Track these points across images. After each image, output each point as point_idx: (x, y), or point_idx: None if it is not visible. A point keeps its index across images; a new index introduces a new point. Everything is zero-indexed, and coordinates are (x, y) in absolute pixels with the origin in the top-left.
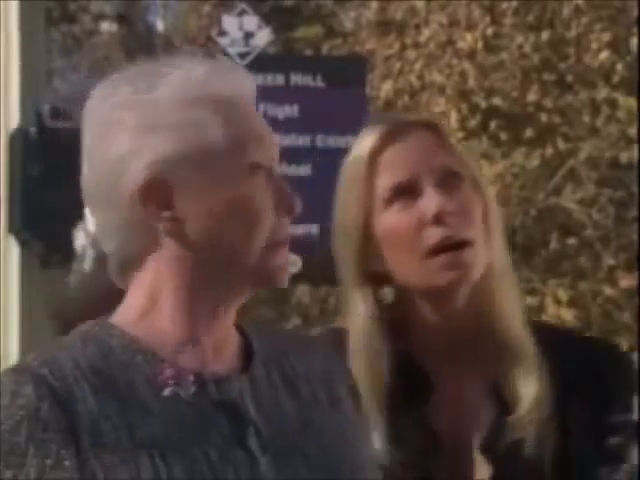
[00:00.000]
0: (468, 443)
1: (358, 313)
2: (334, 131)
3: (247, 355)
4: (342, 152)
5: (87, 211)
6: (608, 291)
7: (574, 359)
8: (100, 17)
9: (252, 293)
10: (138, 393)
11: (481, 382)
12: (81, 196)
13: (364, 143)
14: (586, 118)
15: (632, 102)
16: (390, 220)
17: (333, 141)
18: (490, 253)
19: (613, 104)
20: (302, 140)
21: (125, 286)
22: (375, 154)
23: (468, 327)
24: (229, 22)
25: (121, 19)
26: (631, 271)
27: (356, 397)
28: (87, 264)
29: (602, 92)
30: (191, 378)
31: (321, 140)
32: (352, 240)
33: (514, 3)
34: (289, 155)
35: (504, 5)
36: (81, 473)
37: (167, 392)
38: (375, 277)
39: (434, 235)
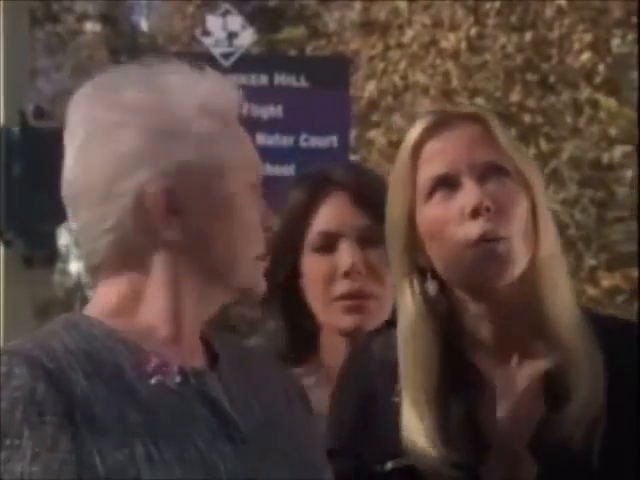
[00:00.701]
0: (516, 440)
1: (406, 307)
2: (318, 131)
3: (211, 356)
4: (326, 152)
5: (69, 208)
6: (590, 291)
7: (630, 349)
8: (84, 17)
9: (232, 300)
10: (126, 379)
11: (531, 377)
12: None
13: (409, 136)
14: (568, 119)
15: (613, 102)
16: (430, 213)
17: (317, 141)
18: (537, 247)
19: (595, 105)
20: (286, 140)
21: (98, 283)
22: (418, 146)
23: (515, 321)
24: (213, 22)
25: (105, 19)
26: (612, 271)
27: (306, 400)
28: (71, 263)
29: (584, 93)
30: (176, 369)
31: (305, 140)
32: (398, 234)
33: (497, 4)
34: (273, 155)
35: (487, 6)
36: (77, 456)
37: (154, 380)
38: (421, 270)
39: (472, 229)
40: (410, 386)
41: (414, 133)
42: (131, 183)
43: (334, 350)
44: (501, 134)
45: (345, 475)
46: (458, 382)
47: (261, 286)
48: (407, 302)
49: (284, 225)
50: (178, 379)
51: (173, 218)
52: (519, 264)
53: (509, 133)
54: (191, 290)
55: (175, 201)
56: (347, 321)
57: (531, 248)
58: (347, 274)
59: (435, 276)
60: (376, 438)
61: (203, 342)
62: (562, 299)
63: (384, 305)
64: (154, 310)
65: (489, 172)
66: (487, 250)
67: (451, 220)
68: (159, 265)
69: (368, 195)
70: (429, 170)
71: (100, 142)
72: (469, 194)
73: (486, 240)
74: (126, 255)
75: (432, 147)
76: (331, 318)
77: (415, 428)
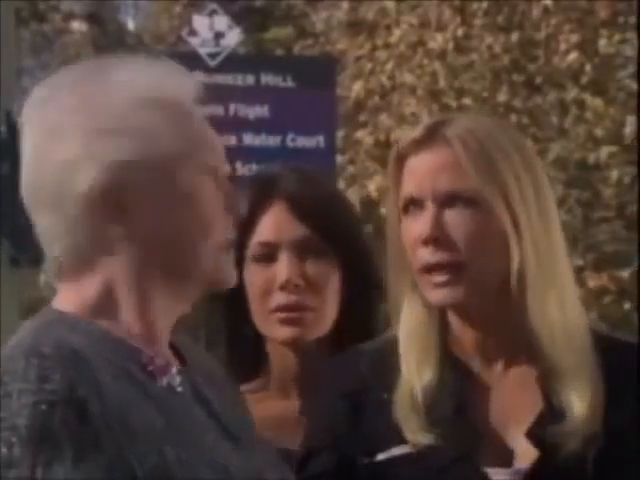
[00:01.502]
0: (513, 429)
1: (407, 317)
2: (304, 131)
3: (179, 358)
4: (312, 152)
5: (30, 213)
6: (577, 291)
7: (626, 366)
8: (70, 16)
9: (203, 293)
10: (137, 380)
11: (529, 370)
12: None
13: (398, 145)
14: (555, 119)
15: (599, 103)
16: (404, 229)
17: (303, 141)
18: (524, 257)
19: (581, 105)
20: (272, 140)
21: (65, 286)
22: (402, 158)
23: (497, 332)
24: (200, 22)
25: (92, 18)
26: (599, 272)
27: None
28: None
29: (570, 93)
30: (175, 369)
31: (291, 140)
32: (397, 243)
33: (484, 4)
34: (259, 155)
35: (474, 6)
36: (117, 458)
37: (164, 382)
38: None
39: (422, 256)
40: (408, 388)
41: (401, 143)
42: (77, 185)
43: (280, 359)
44: (474, 161)
45: (332, 470)
46: (449, 378)
47: (230, 275)
48: (408, 315)
49: None
50: (178, 380)
51: (121, 216)
52: (478, 291)
53: (493, 154)
54: (157, 287)
55: (121, 199)
56: (284, 332)
57: (502, 264)
58: (283, 287)
59: None
60: (367, 433)
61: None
62: (546, 313)
63: (322, 317)
64: (126, 310)
65: (451, 200)
66: (444, 276)
67: (413, 241)
68: (119, 264)
69: (310, 206)
70: (405, 187)
71: (47, 145)
72: (425, 222)
73: (436, 270)
74: (84, 258)
75: (411, 164)
76: (269, 329)
77: (407, 417)
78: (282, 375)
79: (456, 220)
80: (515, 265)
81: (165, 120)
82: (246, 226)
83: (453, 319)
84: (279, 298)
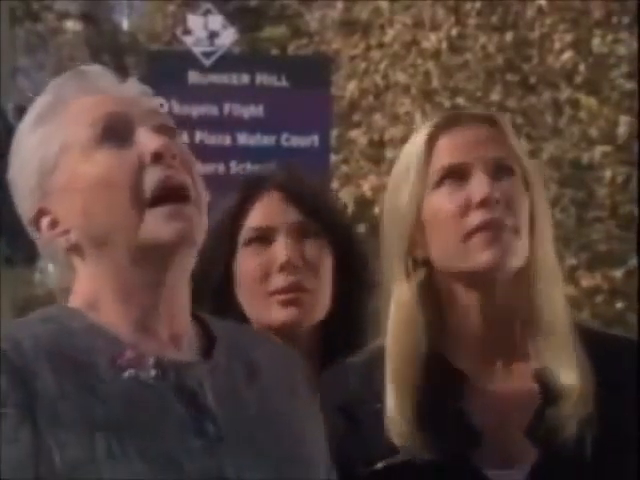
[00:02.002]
0: (511, 428)
1: (401, 292)
2: (299, 130)
3: (208, 343)
4: (307, 151)
5: None
6: (570, 290)
7: (618, 360)
8: (64, 16)
9: (165, 261)
10: (99, 375)
11: (523, 368)
12: None
13: (422, 131)
14: (549, 118)
15: (593, 102)
16: (437, 201)
17: (298, 140)
18: (534, 248)
19: (575, 105)
20: (267, 139)
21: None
22: (433, 138)
23: (506, 317)
24: (194, 21)
25: (86, 18)
26: (592, 271)
27: (312, 389)
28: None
29: (564, 93)
30: (151, 362)
31: (286, 139)
32: (403, 221)
33: (478, 4)
34: (254, 154)
35: (468, 6)
36: (36, 449)
37: (127, 374)
38: (414, 259)
39: (477, 217)
40: (395, 375)
41: (427, 129)
42: (26, 218)
43: None
44: (511, 135)
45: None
46: (442, 384)
47: (165, 228)
48: (402, 288)
49: (216, 227)
50: (153, 373)
51: (54, 231)
52: (520, 257)
53: (516, 136)
54: (119, 277)
55: (47, 217)
56: (283, 315)
57: (528, 248)
58: (283, 267)
59: (426, 265)
60: (365, 443)
61: (200, 326)
62: (557, 300)
63: (320, 300)
64: (110, 307)
65: (498, 169)
66: (489, 237)
67: (456, 210)
68: (79, 267)
69: (300, 193)
70: (442, 159)
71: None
72: (480, 184)
73: (491, 228)
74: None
75: (447, 139)
76: (267, 313)
77: (399, 419)
78: None
79: (505, 185)
80: (541, 245)
81: (62, 128)
82: (237, 215)
83: (465, 299)
84: (278, 280)
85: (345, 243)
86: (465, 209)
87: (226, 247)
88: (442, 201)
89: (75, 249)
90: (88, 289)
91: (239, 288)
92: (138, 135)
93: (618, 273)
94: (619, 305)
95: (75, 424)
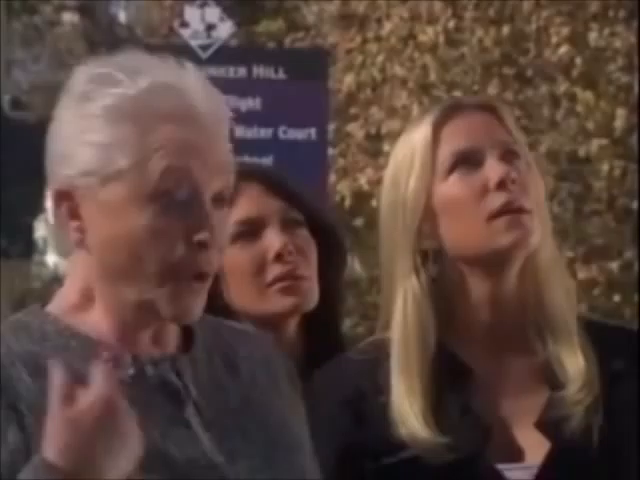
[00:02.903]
0: (521, 421)
1: (410, 285)
2: (296, 123)
3: (188, 338)
4: (304, 144)
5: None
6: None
7: (622, 349)
8: (61, 8)
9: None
10: (76, 373)
11: (530, 361)
12: (42, 187)
13: (425, 120)
14: (545, 112)
15: (590, 96)
16: (451, 188)
17: (295, 133)
18: (545, 233)
19: (572, 98)
20: (264, 132)
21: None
22: (438, 127)
23: (516, 307)
24: (191, 14)
25: (83, 10)
26: (588, 264)
27: (294, 381)
28: (48, 255)
29: (561, 86)
30: (129, 360)
31: (283, 132)
32: (409, 218)
33: None
34: (251, 147)
35: None
36: (25, 447)
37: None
38: (423, 251)
39: (498, 199)
40: (403, 371)
41: (433, 115)
42: (50, 190)
43: None
44: (511, 122)
45: (339, 477)
46: (450, 380)
47: (187, 310)
48: (411, 282)
49: None
50: (132, 371)
51: (75, 222)
52: (537, 236)
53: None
54: (118, 286)
55: (74, 206)
56: (285, 302)
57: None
58: (279, 256)
59: (436, 257)
60: (371, 438)
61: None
62: (558, 290)
63: (314, 286)
64: (99, 311)
65: (507, 153)
66: (512, 219)
67: (473, 195)
68: (88, 267)
69: (280, 183)
70: (451, 145)
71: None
72: (495, 167)
73: (510, 210)
74: (68, 255)
75: (453, 126)
76: (265, 305)
77: (408, 414)
78: None
79: (517, 168)
80: (544, 234)
81: (133, 136)
82: None
83: (477, 288)
84: (275, 269)
85: (327, 232)
86: (483, 192)
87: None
88: (458, 187)
89: (83, 247)
90: (79, 290)
91: (227, 284)
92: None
93: (615, 266)
94: (616, 298)
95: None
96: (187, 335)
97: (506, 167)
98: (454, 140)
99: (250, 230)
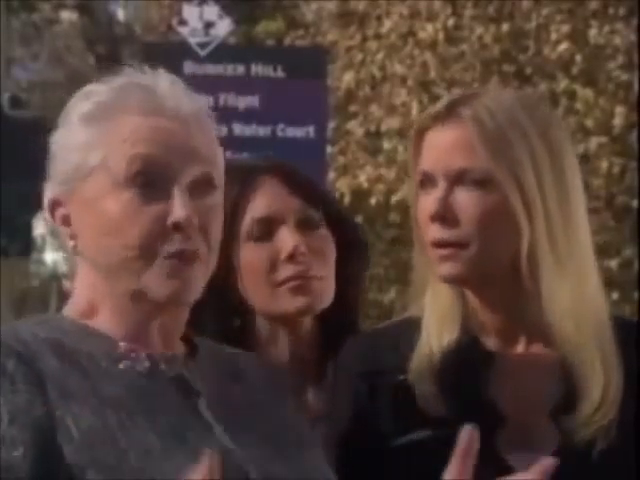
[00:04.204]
0: (535, 412)
1: (433, 291)
2: (295, 121)
3: (191, 349)
4: (303, 142)
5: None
6: None
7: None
8: (60, 6)
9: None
10: (99, 363)
11: (546, 360)
12: (40, 185)
13: (420, 118)
14: (545, 109)
15: (589, 93)
16: (420, 204)
17: (294, 131)
18: (533, 244)
19: (571, 96)
20: (263, 130)
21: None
22: (421, 133)
23: (514, 314)
24: (189, 12)
25: (81, 8)
26: None
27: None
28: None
29: (561, 83)
30: (144, 355)
31: (282, 130)
32: (414, 220)
33: None
34: (250, 145)
35: None
36: (51, 421)
37: (123, 365)
38: None
39: (287, 270)
40: (426, 350)
41: (421, 117)
42: (46, 199)
43: (272, 341)
44: (487, 141)
45: (354, 455)
46: (470, 364)
47: (160, 289)
48: (439, 286)
49: None
50: (147, 364)
51: (68, 229)
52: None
53: (510, 133)
54: (119, 292)
55: (64, 212)
56: (296, 302)
57: (512, 246)
58: (291, 257)
59: None
60: (385, 416)
61: (183, 341)
62: (558, 299)
63: (329, 286)
64: (105, 318)
65: (462, 179)
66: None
67: (425, 216)
68: (81, 273)
69: (299, 179)
70: (421, 163)
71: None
72: (434, 199)
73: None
74: (73, 264)
75: (429, 139)
76: (276, 303)
77: (427, 391)
78: (271, 353)
79: (465, 199)
80: (524, 248)
81: (100, 136)
82: (236, 207)
83: (472, 300)
84: (287, 269)
85: (347, 231)
86: (427, 220)
87: (226, 241)
88: (420, 204)
89: (79, 254)
90: (86, 296)
91: (242, 281)
92: (174, 196)
93: (613, 263)
94: (614, 295)
95: (85, 398)
96: (190, 347)
97: (297, 239)
98: (423, 159)
99: (266, 228)
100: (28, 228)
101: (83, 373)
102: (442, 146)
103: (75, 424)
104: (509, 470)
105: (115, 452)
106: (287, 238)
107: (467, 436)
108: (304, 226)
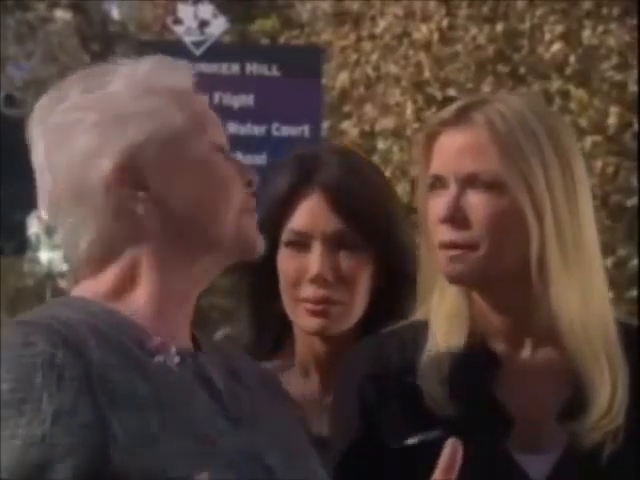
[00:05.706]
0: (542, 413)
1: (440, 293)
2: (289, 120)
3: (196, 345)
4: (297, 141)
5: (52, 218)
6: None
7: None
8: (54, 4)
9: (228, 263)
10: (133, 354)
11: (554, 362)
12: (35, 183)
13: (430, 122)
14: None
15: (583, 93)
16: (431, 205)
17: (288, 130)
18: (542, 247)
19: (566, 95)
20: (257, 129)
21: (89, 276)
22: (432, 137)
23: (522, 316)
24: (184, 10)
25: (76, 7)
26: None
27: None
28: (42, 252)
29: (555, 83)
30: (174, 349)
31: (276, 129)
32: (421, 223)
33: None
34: (244, 144)
35: None
36: (98, 421)
37: (157, 359)
38: None
39: (309, 291)
40: (435, 352)
41: (432, 121)
42: (99, 172)
43: (306, 342)
44: (498, 145)
45: (360, 456)
46: (478, 366)
47: (254, 241)
48: (447, 290)
49: (265, 213)
50: (177, 359)
51: (141, 194)
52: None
53: (521, 137)
54: (178, 267)
55: (138, 177)
56: (310, 323)
57: (522, 249)
58: (313, 280)
59: None
60: (393, 417)
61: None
62: (566, 301)
63: (350, 311)
64: (142, 297)
65: (473, 182)
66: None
67: (435, 218)
68: (142, 248)
69: (347, 198)
70: (432, 166)
71: (59, 147)
72: (445, 201)
73: (451, 247)
74: (110, 246)
75: (440, 143)
76: (296, 317)
77: (435, 392)
78: (306, 357)
79: (476, 201)
80: (534, 251)
81: (170, 102)
82: (283, 209)
83: (480, 303)
84: (308, 290)
85: (389, 253)
86: (437, 222)
87: (272, 238)
88: (431, 206)
89: (144, 225)
90: (116, 278)
91: (281, 283)
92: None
93: (608, 263)
94: (610, 295)
95: (128, 399)
96: (195, 342)
97: (326, 261)
98: (434, 162)
99: (300, 242)
100: (23, 227)
101: (122, 363)
102: (454, 149)
103: (121, 427)
104: (520, 472)
105: (158, 457)
106: (315, 260)
107: (451, 449)
108: (336, 248)
